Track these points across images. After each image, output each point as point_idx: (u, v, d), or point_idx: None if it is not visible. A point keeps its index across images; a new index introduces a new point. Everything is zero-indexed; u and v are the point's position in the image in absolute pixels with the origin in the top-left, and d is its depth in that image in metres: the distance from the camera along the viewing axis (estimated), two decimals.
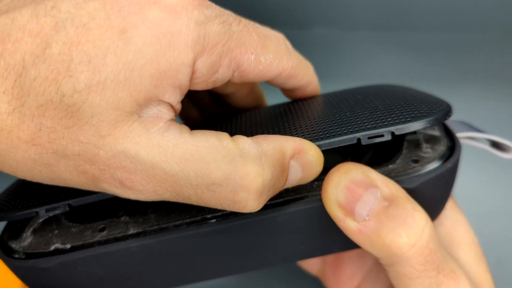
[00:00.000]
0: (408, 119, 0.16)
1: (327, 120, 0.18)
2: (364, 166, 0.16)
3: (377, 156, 0.20)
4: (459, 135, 0.19)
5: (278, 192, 0.16)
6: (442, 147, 0.18)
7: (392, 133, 0.16)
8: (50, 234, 0.18)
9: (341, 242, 0.17)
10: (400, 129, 0.16)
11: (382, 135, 0.16)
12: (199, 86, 0.15)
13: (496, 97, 0.40)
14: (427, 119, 0.16)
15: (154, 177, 0.13)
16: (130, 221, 0.18)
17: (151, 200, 0.14)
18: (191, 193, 0.14)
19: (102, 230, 0.18)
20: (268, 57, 0.17)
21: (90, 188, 0.14)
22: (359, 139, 0.16)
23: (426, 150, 0.18)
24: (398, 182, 0.16)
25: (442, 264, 0.16)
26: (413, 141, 0.18)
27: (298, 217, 0.17)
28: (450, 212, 0.21)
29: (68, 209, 0.17)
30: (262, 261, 0.18)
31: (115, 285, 0.18)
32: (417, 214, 0.15)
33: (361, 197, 0.15)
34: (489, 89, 0.40)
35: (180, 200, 0.14)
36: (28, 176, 0.14)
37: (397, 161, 0.18)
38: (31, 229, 0.18)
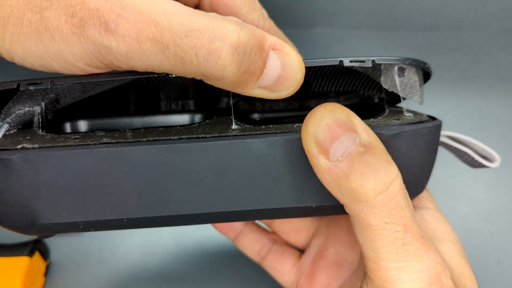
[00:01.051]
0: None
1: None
2: (350, 110, 0.16)
3: None
4: (443, 132, 0.20)
5: (256, 78, 0.16)
6: (423, 117, 0.19)
7: (373, 61, 0.18)
8: (21, 139, 0.17)
9: (315, 193, 0.17)
10: (381, 60, 0.18)
11: (363, 61, 0.18)
12: None
13: (496, 97, 0.40)
14: (407, 58, 0.18)
15: (139, 21, 0.14)
16: (106, 135, 0.17)
17: (131, 52, 0.15)
18: (169, 41, 0.14)
19: (75, 139, 0.17)
20: None
21: (73, 40, 0.15)
22: (341, 61, 0.17)
23: (408, 115, 0.19)
24: (378, 128, 0.17)
25: (411, 225, 0.15)
26: (396, 110, 0.19)
27: (274, 149, 0.17)
28: (434, 212, 0.21)
29: (49, 86, 0.17)
30: (233, 200, 0.18)
31: (76, 200, 0.17)
32: (390, 167, 0.15)
33: (340, 138, 0.15)
34: (489, 89, 0.40)
35: (159, 53, 0.15)
36: (17, 31, 0.15)
37: (379, 117, 0.18)
38: (3, 131, 0.17)
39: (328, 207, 0.18)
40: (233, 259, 0.31)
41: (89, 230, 0.18)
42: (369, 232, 0.15)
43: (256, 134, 0.17)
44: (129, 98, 0.22)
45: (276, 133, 0.17)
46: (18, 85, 0.17)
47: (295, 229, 0.25)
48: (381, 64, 0.18)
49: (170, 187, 0.17)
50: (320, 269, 0.23)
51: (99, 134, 0.18)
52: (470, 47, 0.43)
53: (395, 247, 0.15)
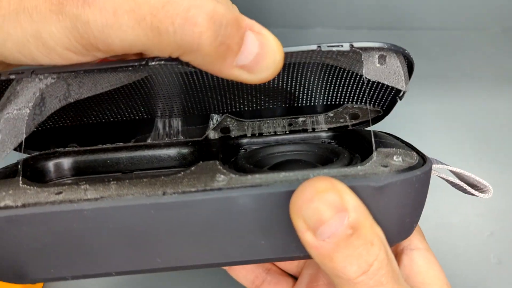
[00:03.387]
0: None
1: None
2: (341, 184, 0.16)
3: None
4: (435, 166, 0.19)
5: (234, 55, 0.16)
6: (413, 161, 0.18)
7: (351, 46, 0.18)
8: (4, 193, 0.17)
9: (302, 245, 0.17)
10: (360, 44, 0.18)
11: (341, 46, 0.18)
12: None
13: (496, 96, 0.40)
14: (386, 42, 0.18)
15: None
16: (90, 189, 0.17)
17: (108, 26, 0.15)
18: (146, 12, 0.15)
19: (58, 193, 0.17)
20: None
21: (52, 18, 0.15)
22: (319, 47, 0.18)
23: (397, 159, 0.18)
24: (365, 180, 0.16)
25: None
26: (384, 153, 0.19)
27: (259, 202, 0.17)
28: (425, 252, 0.21)
29: (30, 75, 0.17)
30: (220, 253, 0.17)
31: (62, 258, 0.17)
32: (373, 248, 0.15)
33: (328, 221, 0.15)
34: (489, 88, 0.40)
35: (135, 26, 0.15)
36: None
37: (367, 164, 0.18)
38: None
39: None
40: None
41: (79, 279, 0.18)
42: None
43: (242, 187, 0.17)
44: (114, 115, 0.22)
45: (261, 185, 0.17)
46: None
47: None
48: (360, 51, 0.18)
49: (157, 242, 0.17)
50: None
51: (82, 186, 0.17)
52: (469, 47, 0.43)
53: None
